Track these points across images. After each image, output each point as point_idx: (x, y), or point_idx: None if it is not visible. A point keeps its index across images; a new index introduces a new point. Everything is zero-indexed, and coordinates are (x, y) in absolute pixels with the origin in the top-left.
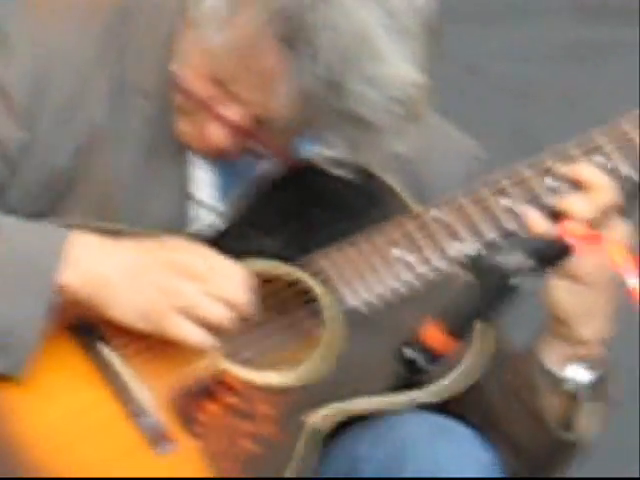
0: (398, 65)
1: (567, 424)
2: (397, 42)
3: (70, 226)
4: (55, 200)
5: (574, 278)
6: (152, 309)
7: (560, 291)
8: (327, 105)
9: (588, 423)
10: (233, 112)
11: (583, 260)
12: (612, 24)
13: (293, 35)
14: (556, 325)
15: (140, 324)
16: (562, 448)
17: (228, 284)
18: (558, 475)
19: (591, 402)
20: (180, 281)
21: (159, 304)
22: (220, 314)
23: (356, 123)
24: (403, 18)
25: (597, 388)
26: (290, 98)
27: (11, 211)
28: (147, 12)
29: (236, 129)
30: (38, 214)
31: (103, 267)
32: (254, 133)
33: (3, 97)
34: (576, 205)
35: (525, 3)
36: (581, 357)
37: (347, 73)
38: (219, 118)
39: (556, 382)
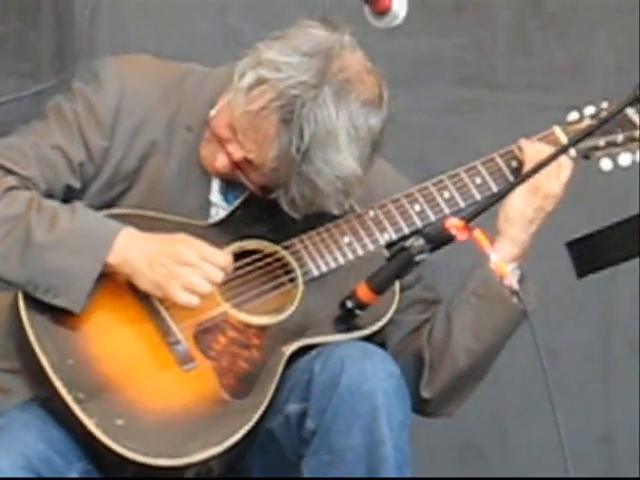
0: (348, 159)
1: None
2: (352, 144)
3: (129, 215)
4: (121, 193)
5: (535, 189)
6: (161, 283)
7: (519, 199)
8: (296, 167)
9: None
10: (236, 152)
11: (545, 175)
12: (480, 89)
13: (290, 118)
14: (504, 225)
15: (154, 291)
16: (516, 315)
17: (209, 267)
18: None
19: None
20: (178, 266)
21: (165, 280)
22: (204, 288)
23: (311, 186)
24: (360, 130)
25: (519, 276)
26: (275, 156)
27: (91, 199)
28: (197, 77)
29: (234, 163)
30: (110, 202)
31: (134, 255)
32: (244, 170)
33: (94, 117)
34: None
35: (423, 74)
36: (513, 256)
37: (315, 152)
38: (226, 153)
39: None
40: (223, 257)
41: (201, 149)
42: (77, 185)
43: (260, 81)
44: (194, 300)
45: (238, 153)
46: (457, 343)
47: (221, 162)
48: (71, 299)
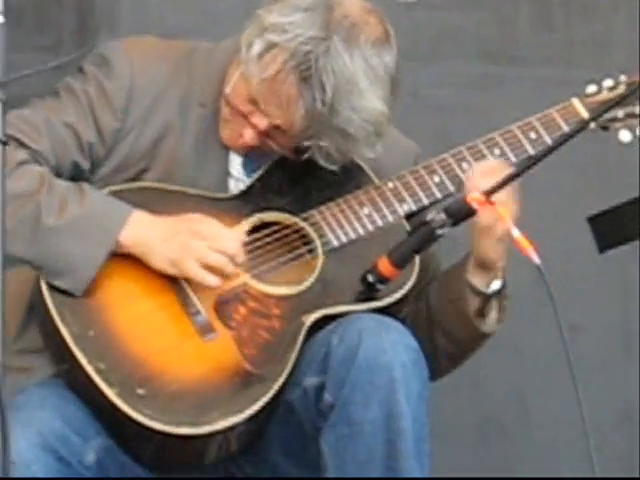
0: (372, 100)
1: (483, 317)
2: (373, 85)
3: (148, 188)
4: (138, 173)
5: (487, 235)
6: (176, 259)
7: (486, 249)
8: (326, 121)
9: (494, 316)
10: (262, 122)
11: (485, 221)
12: (502, 64)
13: (309, 75)
14: (481, 264)
15: (170, 269)
16: (479, 335)
17: (224, 241)
18: (469, 355)
19: (497, 300)
20: (194, 240)
21: (181, 255)
22: (219, 261)
23: (343, 135)
24: (377, 70)
25: (501, 290)
26: (302, 115)
27: (105, 180)
28: (203, 52)
29: (262, 133)
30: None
31: (147, 235)
32: (274, 136)
33: (106, 99)
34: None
35: (445, 48)
36: (495, 276)
37: (340, 102)
38: (252, 125)
39: (482, 292)
40: (238, 235)
41: (221, 130)
42: (85, 165)
43: (270, 46)
44: (212, 280)
45: (263, 122)
46: (439, 347)
47: (249, 136)
48: (72, 284)
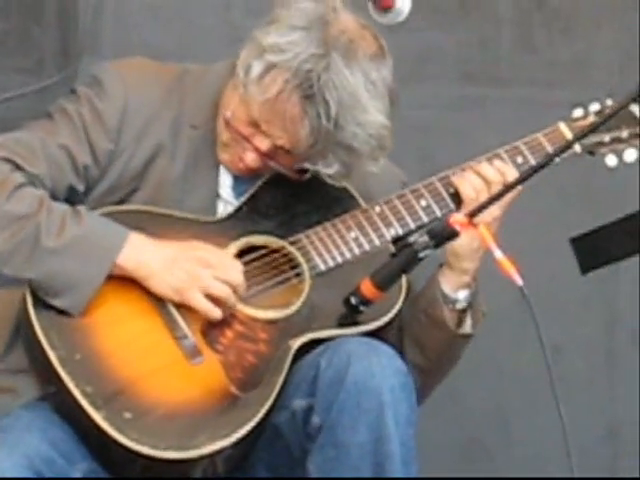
0: (375, 114)
1: (458, 324)
2: (374, 99)
3: (136, 211)
4: (128, 194)
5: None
6: (181, 286)
7: (464, 234)
8: (331, 137)
9: (468, 322)
10: (263, 143)
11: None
12: (484, 85)
13: (311, 93)
14: (453, 260)
15: (173, 296)
16: (457, 340)
17: (229, 271)
18: (452, 366)
19: (469, 308)
20: (199, 269)
21: (185, 284)
22: (223, 292)
23: (348, 150)
24: (378, 85)
25: (471, 299)
26: (308, 133)
27: (97, 201)
28: (195, 75)
29: (264, 154)
30: (117, 203)
31: (150, 258)
32: (276, 157)
33: (99, 120)
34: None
35: (427, 70)
36: (463, 284)
37: (345, 117)
38: (254, 148)
39: (451, 301)
40: (237, 262)
41: (220, 153)
42: (80, 187)
43: (269, 67)
44: (216, 313)
45: (265, 143)
46: (408, 358)
47: (251, 158)
48: (71, 303)
